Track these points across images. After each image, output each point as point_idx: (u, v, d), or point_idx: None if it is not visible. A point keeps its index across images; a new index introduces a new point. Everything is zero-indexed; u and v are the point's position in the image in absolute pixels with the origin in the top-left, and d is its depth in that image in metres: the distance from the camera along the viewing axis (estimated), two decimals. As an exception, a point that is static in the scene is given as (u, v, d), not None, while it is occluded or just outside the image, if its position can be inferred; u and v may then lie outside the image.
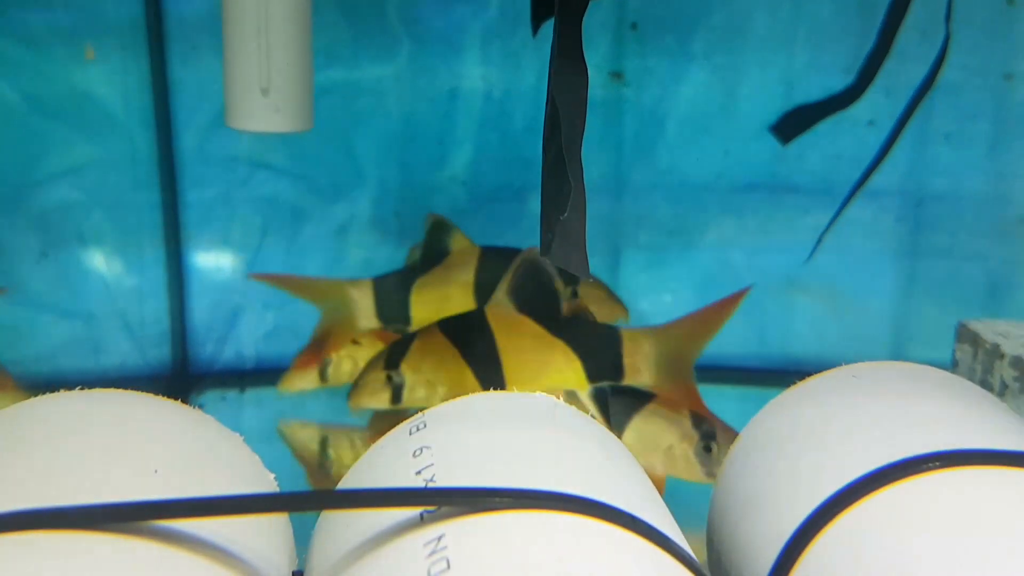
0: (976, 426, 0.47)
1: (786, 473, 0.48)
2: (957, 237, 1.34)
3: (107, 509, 0.37)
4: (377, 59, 1.28)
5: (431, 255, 1.16)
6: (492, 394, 0.51)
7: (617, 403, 0.98)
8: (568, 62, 0.59)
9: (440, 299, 1.13)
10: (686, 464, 0.96)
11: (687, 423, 0.96)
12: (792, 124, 1.13)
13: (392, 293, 1.14)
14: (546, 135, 0.63)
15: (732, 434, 0.96)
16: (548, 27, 1.14)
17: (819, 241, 1.18)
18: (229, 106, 0.99)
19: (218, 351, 1.34)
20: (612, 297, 1.16)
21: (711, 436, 0.95)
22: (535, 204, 1.34)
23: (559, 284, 1.08)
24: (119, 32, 1.23)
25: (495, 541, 0.38)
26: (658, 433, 0.96)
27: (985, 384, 0.82)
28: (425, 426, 0.47)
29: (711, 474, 0.95)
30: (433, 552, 0.38)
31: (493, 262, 1.14)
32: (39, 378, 1.29)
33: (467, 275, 1.14)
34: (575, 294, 1.10)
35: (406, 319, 1.15)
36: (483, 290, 1.11)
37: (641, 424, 0.97)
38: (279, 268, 1.34)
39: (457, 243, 1.16)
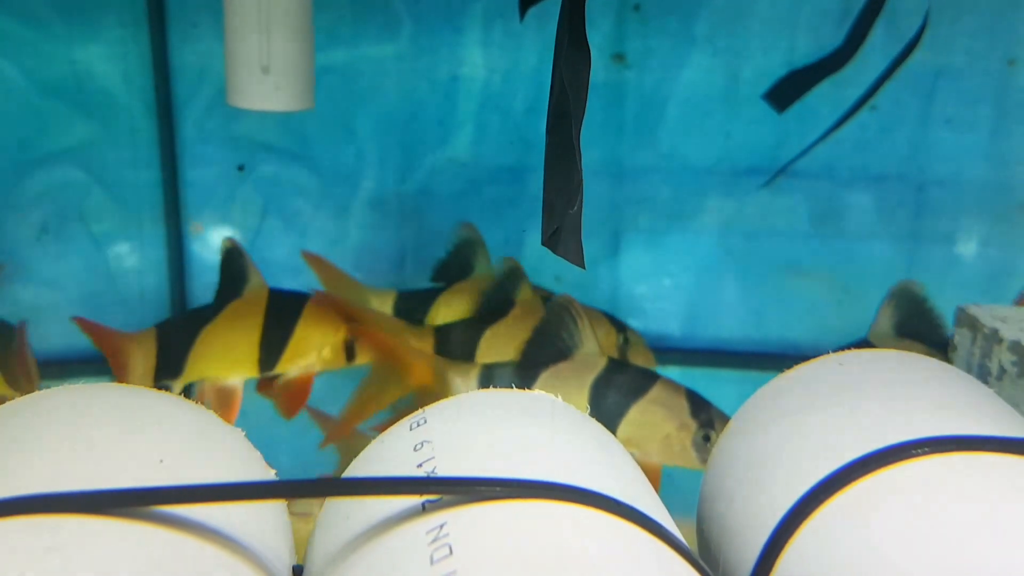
0: (963, 412, 0.47)
1: (773, 461, 0.49)
2: (958, 222, 1.34)
3: (112, 494, 0.38)
4: (378, 39, 1.28)
5: (499, 302, 1.13)
6: (491, 391, 0.51)
7: (614, 391, 0.98)
8: (575, 47, 0.59)
9: (504, 347, 1.11)
10: (683, 453, 0.95)
11: (685, 412, 0.95)
12: (786, 91, 1.11)
13: (458, 344, 1.11)
14: (551, 121, 0.63)
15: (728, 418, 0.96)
16: (535, 12, 1.14)
17: (777, 174, 1.18)
18: (230, 84, 1.00)
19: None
20: (647, 349, 1.17)
21: (709, 425, 0.94)
22: (535, 186, 1.34)
23: (613, 332, 1.11)
24: (119, 10, 1.23)
25: (496, 529, 0.39)
26: (656, 422, 0.96)
27: (983, 368, 0.82)
28: (425, 422, 0.48)
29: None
30: (435, 540, 0.38)
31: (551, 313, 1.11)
32: (39, 356, 1.29)
33: (528, 331, 1.08)
34: (626, 341, 1.13)
35: None
36: None
37: (638, 413, 0.96)
38: (279, 248, 1.34)
39: (523, 293, 1.13)
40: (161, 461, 0.42)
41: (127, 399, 0.46)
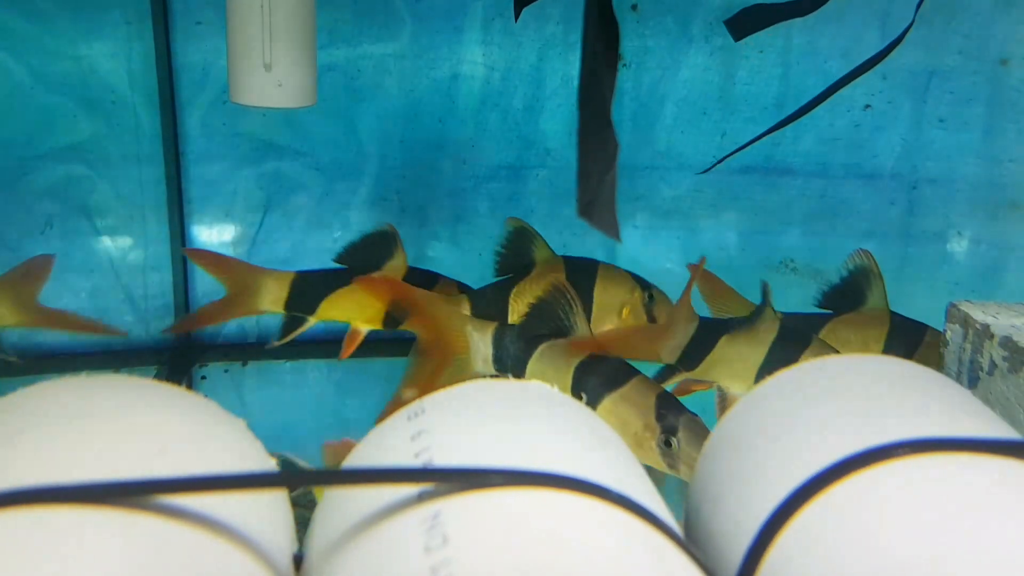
0: (943, 414, 0.48)
1: (758, 464, 0.49)
2: (949, 220, 1.35)
3: (111, 486, 0.38)
4: (380, 38, 1.29)
5: (516, 263, 1.15)
6: (488, 381, 0.51)
7: (593, 379, 0.98)
8: (604, 19, 0.59)
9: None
10: (651, 453, 0.94)
11: (651, 414, 0.94)
12: (746, 21, 1.10)
13: (490, 304, 1.13)
14: (583, 93, 0.62)
15: (700, 425, 0.94)
16: (533, 13, 1.14)
17: (719, 161, 1.18)
18: (233, 82, 1.00)
19: (220, 324, 1.35)
20: (671, 304, 1.16)
21: (672, 431, 0.92)
22: (534, 183, 1.34)
23: (637, 290, 1.12)
24: (124, 7, 1.23)
25: (490, 517, 0.39)
26: (625, 418, 0.95)
27: (975, 364, 0.83)
28: (424, 411, 0.48)
29: (673, 467, 0.93)
30: (431, 528, 0.38)
31: (576, 271, 1.14)
32: (44, 350, 1.30)
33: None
34: (651, 298, 1.13)
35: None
36: None
37: (611, 405, 0.96)
38: (281, 243, 1.35)
39: (540, 253, 1.15)
40: (161, 451, 0.42)
41: (127, 390, 0.46)
